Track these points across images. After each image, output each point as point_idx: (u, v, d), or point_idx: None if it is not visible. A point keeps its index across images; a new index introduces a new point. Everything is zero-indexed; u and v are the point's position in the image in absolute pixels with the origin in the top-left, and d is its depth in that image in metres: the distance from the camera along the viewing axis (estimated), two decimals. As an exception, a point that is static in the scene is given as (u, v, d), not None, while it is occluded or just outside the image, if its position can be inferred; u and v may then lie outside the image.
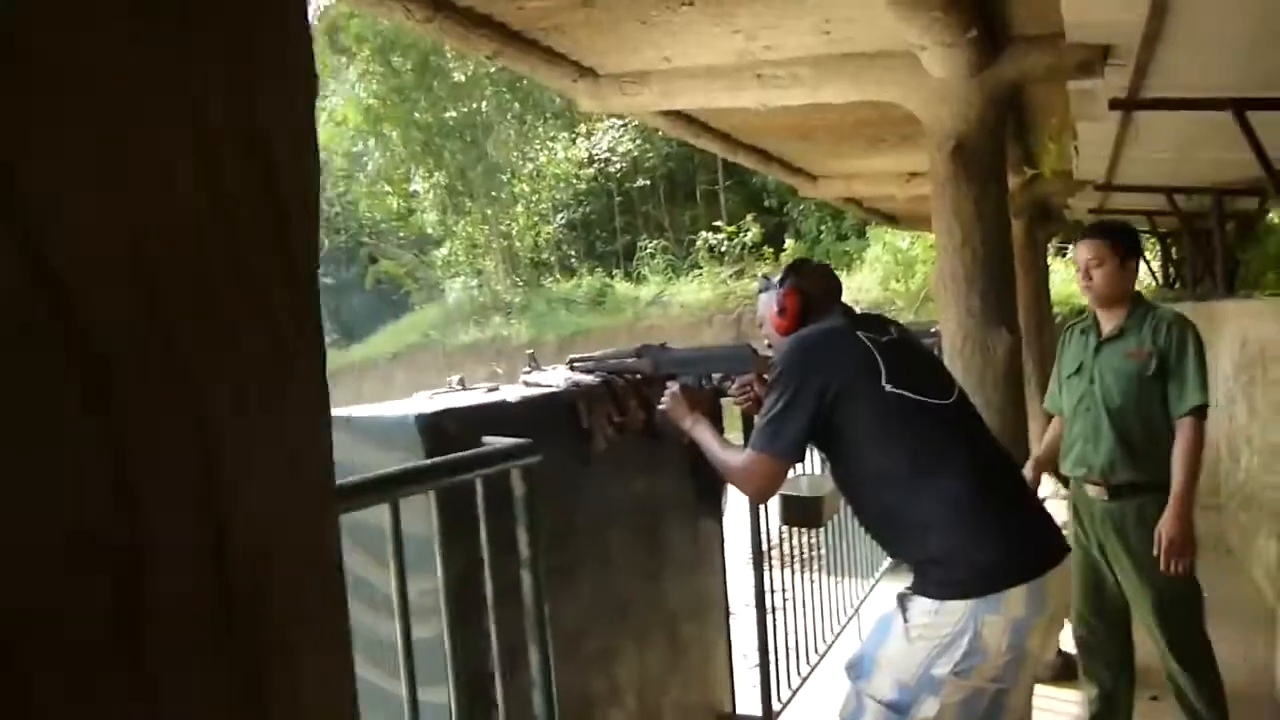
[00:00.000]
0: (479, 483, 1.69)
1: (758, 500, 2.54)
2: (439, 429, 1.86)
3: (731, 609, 3.25)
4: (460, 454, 1.64)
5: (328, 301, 29.64)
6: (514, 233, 23.75)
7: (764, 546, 3.25)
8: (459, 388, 2.23)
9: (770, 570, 3.29)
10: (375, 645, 1.67)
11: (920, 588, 2.01)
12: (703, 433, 2.30)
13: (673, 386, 2.41)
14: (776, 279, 2.33)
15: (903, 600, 2.04)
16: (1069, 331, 3.35)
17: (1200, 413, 2.93)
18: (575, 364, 2.57)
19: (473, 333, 21.53)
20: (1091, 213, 9.06)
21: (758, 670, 3.24)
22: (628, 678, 2.52)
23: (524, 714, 1.86)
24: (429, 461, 1.56)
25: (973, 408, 2.27)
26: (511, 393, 2.19)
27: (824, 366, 2.06)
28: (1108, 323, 3.12)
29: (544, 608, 1.81)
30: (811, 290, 2.27)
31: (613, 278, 23.05)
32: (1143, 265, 13.26)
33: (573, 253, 26.31)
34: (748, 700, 3.21)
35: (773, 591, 3.28)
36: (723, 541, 3.10)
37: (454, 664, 1.62)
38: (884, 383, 2.04)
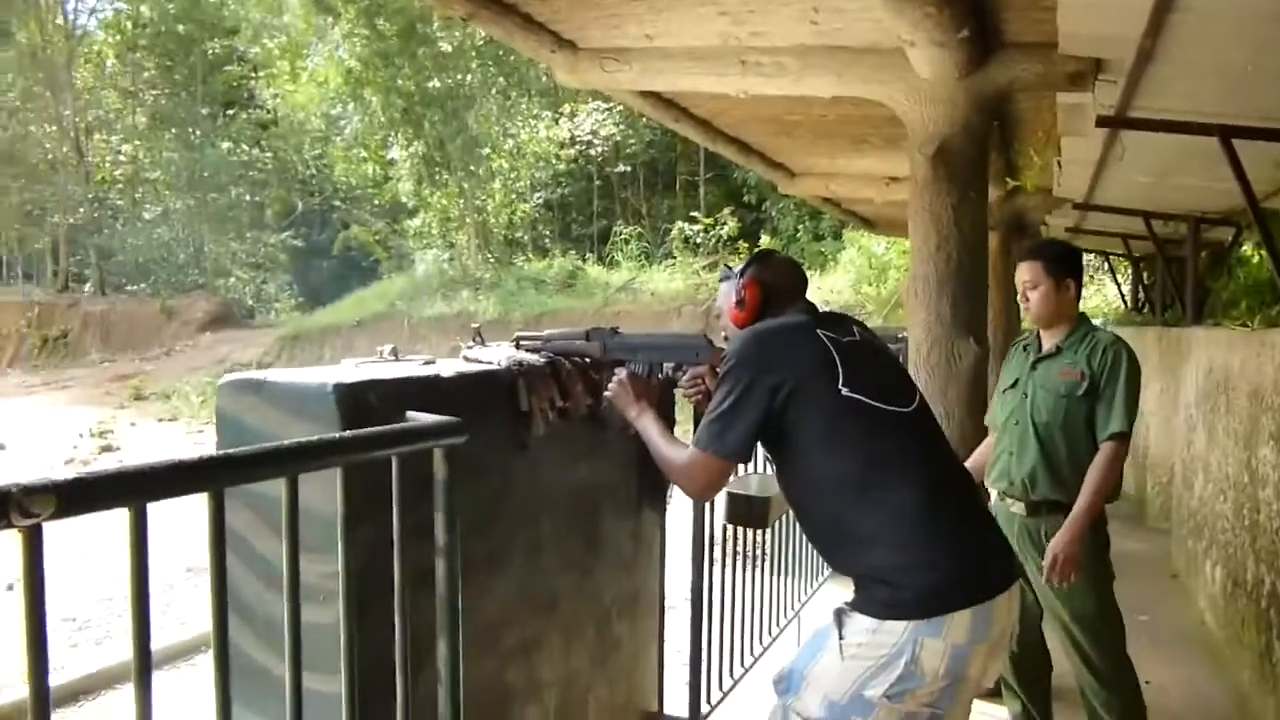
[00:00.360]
0: (395, 461, 1.55)
1: (699, 500, 2.41)
2: (360, 401, 1.72)
3: (668, 603, 3.14)
4: (374, 429, 1.50)
5: (296, 264, 29.39)
6: (489, 208, 23.52)
7: (707, 542, 3.14)
8: (390, 358, 2.09)
9: (712, 567, 3.18)
10: (276, 630, 1.54)
11: (860, 604, 1.89)
12: (647, 424, 2.17)
13: (620, 373, 2.28)
14: (738, 269, 2.20)
15: (840, 616, 1.92)
16: (1014, 348, 3.35)
17: (1121, 438, 2.92)
18: (521, 342, 2.44)
19: (439, 306, 21.29)
20: (1068, 231, 9.04)
21: (688, 669, 3.13)
22: (551, 673, 2.40)
23: (429, 709, 1.73)
24: (335, 435, 1.42)
25: (933, 418, 2.14)
26: (446, 368, 2.05)
27: (778, 363, 1.93)
28: (1048, 341, 3.13)
29: (458, 599, 1.68)
30: (774, 283, 2.14)
31: (585, 261, 22.93)
32: (1112, 288, 13.38)
33: (547, 233, 26.18)
34: (676, 700, 3.10)
35: (710, 589, 3.17)
36: (664, 536, 2.98)
37: (350, 653, 1.48)
38: (840, 386, 1.91)
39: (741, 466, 2.55)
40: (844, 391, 1.91)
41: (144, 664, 1.21)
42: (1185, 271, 7.24)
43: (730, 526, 3.21)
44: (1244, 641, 4.06)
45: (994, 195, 6.40)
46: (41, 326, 27.89)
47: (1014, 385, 3.16)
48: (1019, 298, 3.17)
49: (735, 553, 3.58)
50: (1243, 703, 3.91)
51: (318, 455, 1.37)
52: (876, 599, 1.86)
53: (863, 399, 1.92)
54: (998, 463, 3.14)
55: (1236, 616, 4.22)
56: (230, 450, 1.27)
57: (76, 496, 1.07)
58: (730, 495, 2.75)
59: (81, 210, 29.72)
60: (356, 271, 27.56)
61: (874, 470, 1.88)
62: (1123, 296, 11.74)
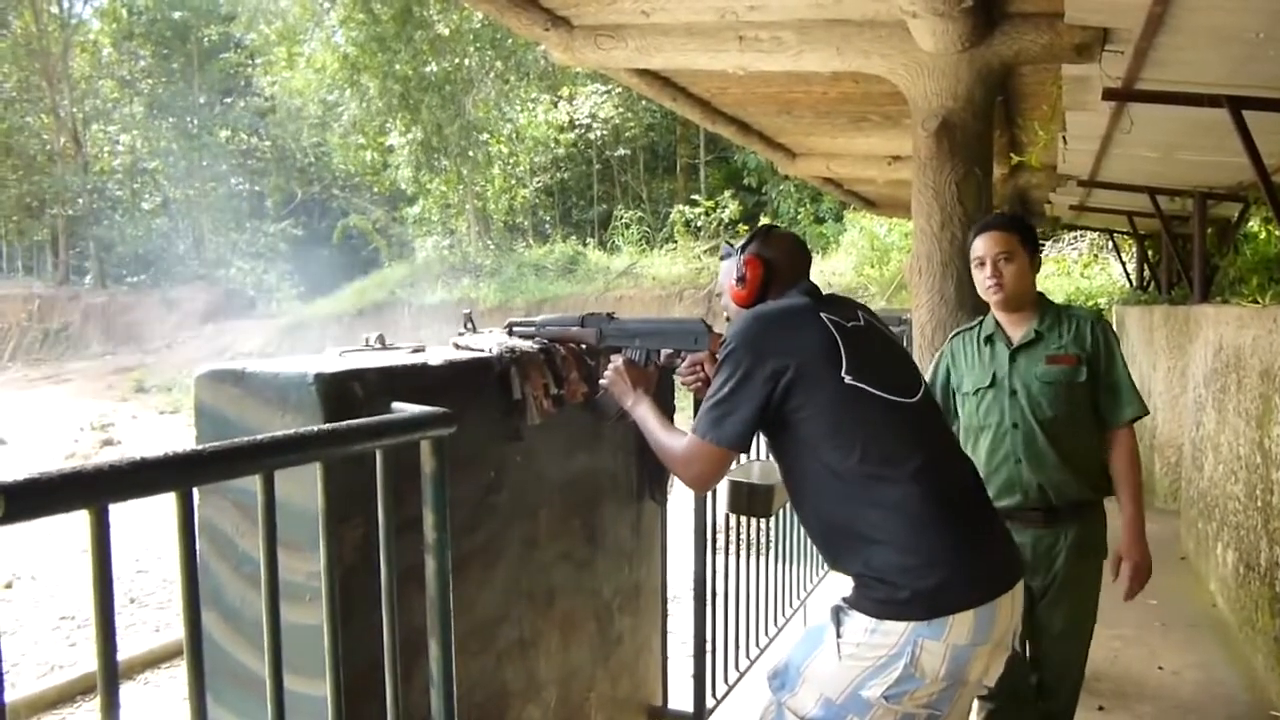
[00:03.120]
0: (379, 455, 1.48)
1: (698, 490, 2.32)
2: (343, 391, 1.65)
3: (672, 594, 3.07)
4: (354, 421, 1.42)
5: (296, 253, 29.31)
6: (489, 194, 23.42)
7: (710, 532, 3.07)
8: (377, 346, 2.01)
9: (716, 556, 3.11)
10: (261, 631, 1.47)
11: (858, 602, 1.82)
12: (644, 412, 2.09)
13: (616, 360, 2.20)
14: (739, 245, 2.12)
15: (838, 613, 1.85)
16: (960, 340, 2.96)
17: (1134, 422, 2.71)
18: (514, 328, 2.36)
19: (440, 293, 21.24)
20: (1072, 209, 8.95)
21: (693, 662, 3.07)
22: (550, 670, 2.34)
23: (423, 711, 1.66)
24: (313, 428, 1.34)
25: (937, 409, 2.06)
26: (435, 355, 1.97)
27: (780, 348, 1.84)
28: (1016, 327, 2.79)
29: (449, 598, 1.61)
30: (776, 260, 2.05)
31: (586, 246, 22.86)
32: (1117, 266, 13.28)
33: (547, 218, 26.11)
34: (681, 694, 3.04)
35: (714, 579, 3.10)
36: (664, 526, 2.92)
37: (334, 655, 1.42)
38: (843, 373, 1.83)
39: (743, 454, 2.48)
40: (847, 379, 1.82)
41: (110, 670, 1.14)
42: (1191, 248, 7.14)
43: (733, 515, 3.13)
44: (1257, 626, 3.99)
45: (998, 173, 6.31)
46: (42, 319, 27.86)
47: (991, 384, 2.79)
48: (985, 274, 2.75)
49: (739, 542, 3.51)
50: (1257, 688, 3.85)
51: (294, 450, 1.30)
52: (875, 598, 1.79)
53: (866, 388, 1.83)
54: (997, 475, 2.75)
55: (1249, 600, 4.15)
56: (198, 446, 1.19)
57: (29, 498, 1.00)
58: (732, 483, 2.67)
59: (80, 201, 29.64)
60: (357, 260, 27.48)
61: (875, 463, 1.79)
62: (1127, 275, 11.63)
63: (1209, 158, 5.51)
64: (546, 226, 25.79)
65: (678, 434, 1.99)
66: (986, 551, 1.86)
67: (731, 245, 2.13)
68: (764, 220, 19.95)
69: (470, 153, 22.44)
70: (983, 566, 1.82)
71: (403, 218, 25.87)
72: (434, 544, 1.61)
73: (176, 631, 5.14)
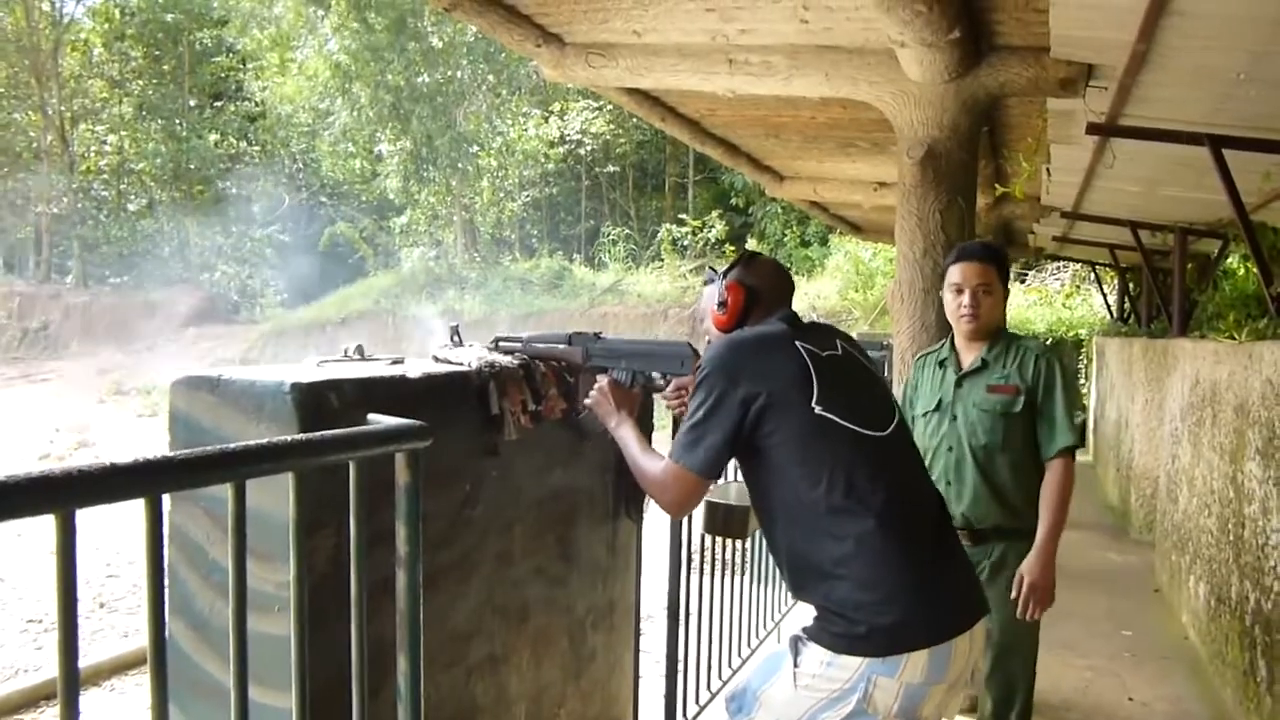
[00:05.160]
0: (352, 466, 1.47)
1: (674, 515, 2.30)
2: (319, 401, 1.65)
3: (646, 613, 3.06)
4: (328, 432, 1.42)
5: (281, 259, 29.17)
6: (477, 207, 23.43)
7: (686, 551, 3.06)
8: (355, 357, 2.01)
9: (690, 576, 3.11)
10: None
11: (816, 635, 1.82)
12: (626, 434, 2.08)
13: (601, 381, 2.20)
14: (722, 271, 2.12)
15: (796, 643, 1.85)
16: (922, 361, 3.04)
17: (1071, 453, 2.75)
18: (500, 344, 2.35)
19: (425, 304, 21.19)
20: (1055, 240, 9.03)
21: (664, 681, 3.06)
22: (521, 687, 2.32)
23: (389, 727, 1.65)
24: (286, 438, 1.34)
25: (910, 443, 2.05)
26: (413, 368, 1.97)
27: (752, 374, 1.84)
28: (968, 354, 2.86)
29: (419, 613, 1.60)
30: (758, 287, 2.05)
31: (572, 261, 22.91)
32: (1098, 298, 13.41)
33: (535, 233, 26.15)
34: (653, 713, 3.03)
35: (688, 598, 3.09)
36: (640, 544, 2.91)
37: (301, 667, 1.41)
38: (813, 403, 1.83)
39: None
40: (817, 410, 1.82)
41: (71, 677, 1.13)
42: (1171, 282, 7.22)
43: (709, 536, 3.12)
44: (1227, 659, 4.01)
45: (982, 202, 6.37)
46: (22, 318, 27.62)
47: (937, 407, 2.88)
48: (963, 301, 2.80)
49: (714, 562, 3.51)
50: (1225, 720, 3.87)
51: (267, 459, 1.29)
52: (833, 631, 1.79)
53: (835, 419, 1.83)
54: None
55: (1220, 633, 4.18)
56: (169, 453, 1.18)
57: (-8, 502, 0.99)
58: (708, 504, 2.66)
59: (65, 200, 29.44)
60: (343, 268, 27.37)
61: (841, 496, 1.79)
62: (1108, 306, 11.73)
63: (1190, 194, 5.58)
64: (534, 241, 25.83)
65: (657, 458, 1.98)
66: (946, 591, 1.85)
67: (714, 271, 2.13)
68: (751, 241, 20.04)
69: (459, 164, 22.46)
70: (941, 606, 1.82)
71: (390, 227, 25.84)
72: (406, 557, 1.60)
73: (144, 638, 5.08)
